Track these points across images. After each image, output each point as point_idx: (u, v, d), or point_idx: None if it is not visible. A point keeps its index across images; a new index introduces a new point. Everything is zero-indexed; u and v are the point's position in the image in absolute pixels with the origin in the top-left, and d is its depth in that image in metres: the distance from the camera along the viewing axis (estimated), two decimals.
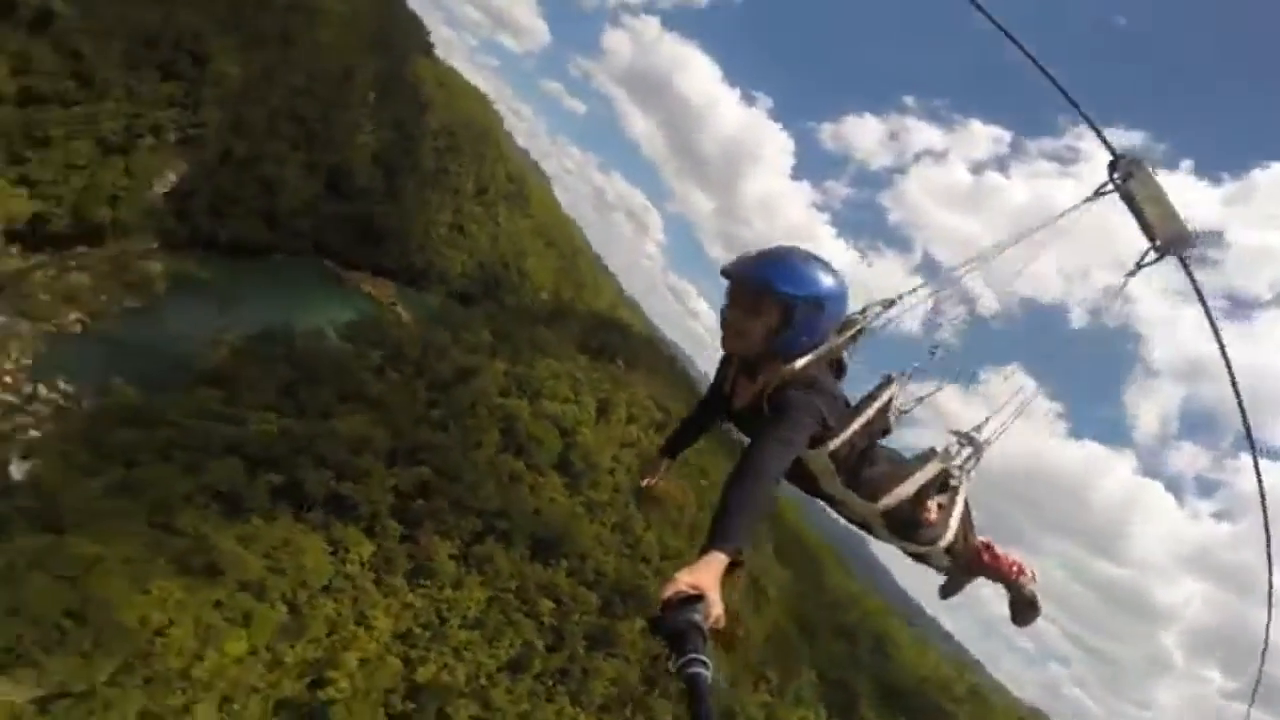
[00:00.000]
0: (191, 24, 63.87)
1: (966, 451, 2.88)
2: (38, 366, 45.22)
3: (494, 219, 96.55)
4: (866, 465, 2.67)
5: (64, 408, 43.59)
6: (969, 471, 2.89)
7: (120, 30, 58.62)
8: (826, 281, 2.49)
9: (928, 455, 2.79)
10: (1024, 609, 3.31)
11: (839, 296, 2.52)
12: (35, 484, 36.64)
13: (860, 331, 2.74)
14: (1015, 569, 3.25)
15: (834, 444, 2.51)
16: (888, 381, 2.67)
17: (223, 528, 34.80)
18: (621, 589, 38.71)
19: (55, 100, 54.55)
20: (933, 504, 2.87)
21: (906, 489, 2.70)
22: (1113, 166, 2.92)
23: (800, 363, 2.51)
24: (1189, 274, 3.04)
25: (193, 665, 30.06)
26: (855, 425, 2.54)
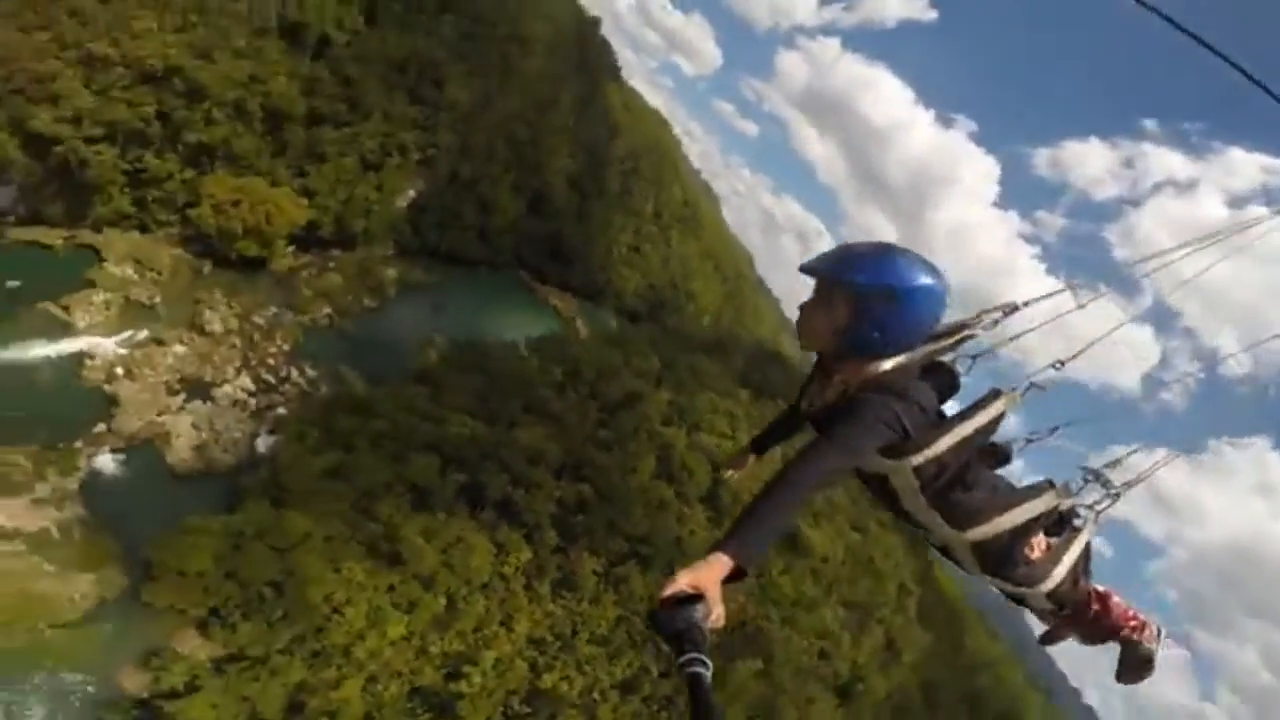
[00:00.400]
0: (432, 52, 72.15)
1: (1097, 492, 2.67)
2: (294, 353, 54.26)
3: (667, 240, 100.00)
4: (960, 489, 2.46)
5: (307, 392, 52.01)
6: (1098, 513, 2.69)
7: (379, 56, 67.46)
8: (909, 274, 2.29)
9: (1041, 488, 2.55)
10: (1134, 666, 3.01)
11: (925, 292, 2.30)
12: (274, 459, 44.02)
13: (965, 338, 2.54)
14: (1133, 624, 2.97)
15: (919, 459, 2.34)
16: (994, 395, 2.42)
17: (411, 518, 39.65)
18: (744, 629, 39.02)
19: (331, 120, 64.27)
20: (1040, 542, 2.67)
21: (1006, 521, 2.49)
22: None
23: (885, 365, 2.38)
24: None
25: (354, 644, 33.99)
26: (948, 440, 2.34)
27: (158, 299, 48.72)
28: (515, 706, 34.36)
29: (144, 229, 52.48)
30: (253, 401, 48.70)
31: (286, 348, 53.72)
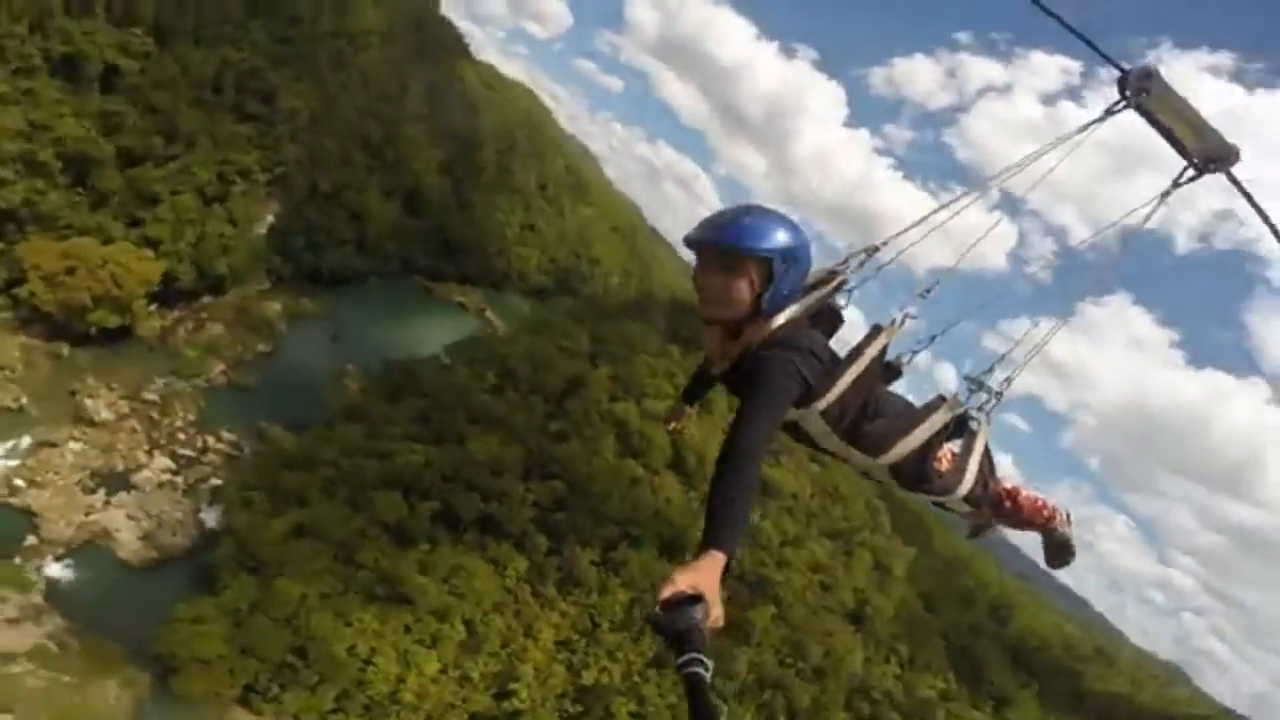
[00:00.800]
0: (246, 62, 66.34)
1: (983, 396, 2.84)
2: (201, 420, 50.58)
3: (559, 211, 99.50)
4: (866, 420, 2.63)
5: (234, 455, 48.93)
6: (989, 415, 2.85)
7: (183, 77, 61.08)
8: (796, 234, 2.45)
9: (935, 404, 2.73)
10: (1056, 551, 3.31)
11: (806, 247, 2.49)
12: (229, 531, 41.72)
13: (842, 283, 2.73)
14: (1044, 515, 3.22)
15: (822, 404, 2.50)
16: (875, 332, 2.61)
17: (400, 557, 39.28)
18: (746, 580, 41.81)
19: (150, 158, 57.73)
20: (946, 452, 2.85)
21: (911, 442, 2.67)
22: (1122, 83, 2.77)
23: (778, 320, 2.51)
24: (1240, 188, 2.92)
25: (398, 689, 34.69)
26: (844, 382, 2.51)
27: (24, 399, 43.74)
28: (569, 708, 35.53)
29: None
30: (179, 479, 45.51)
31: (191, 417, 50.07)
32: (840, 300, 2.76)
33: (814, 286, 2.67)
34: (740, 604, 39.17)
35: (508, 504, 43.12)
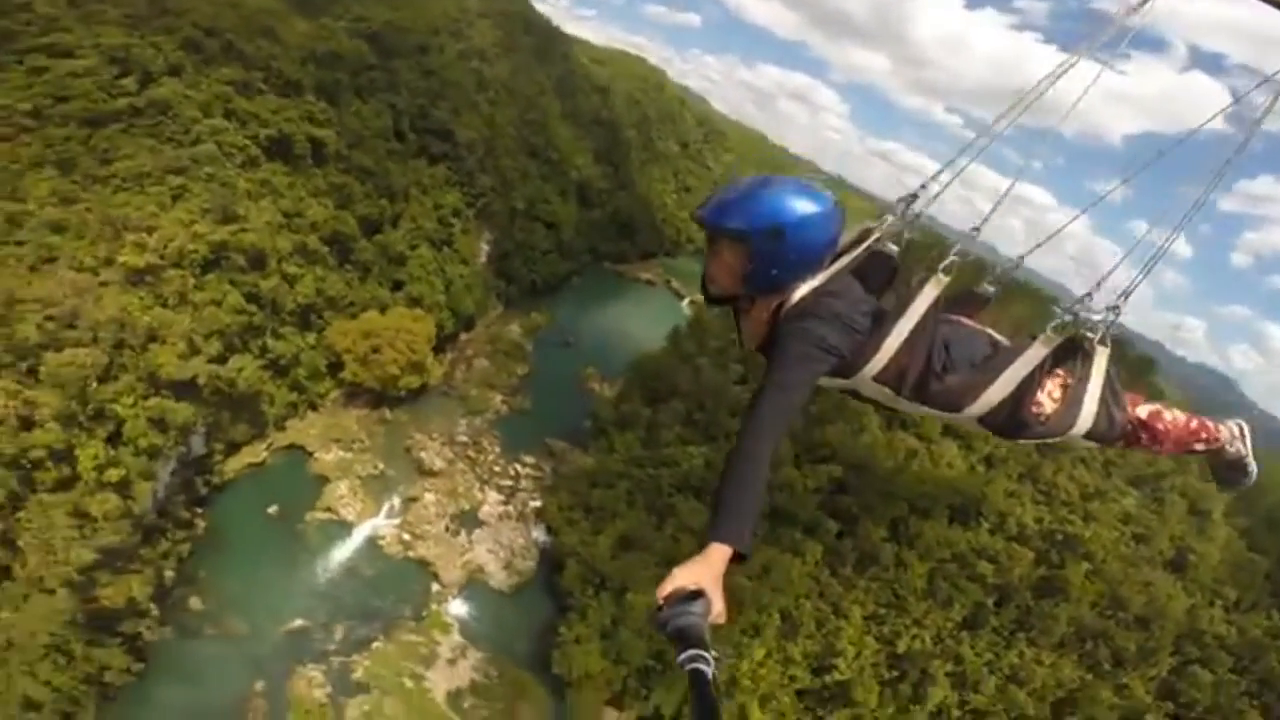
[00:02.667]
0: (411, 104, 66.18)
1: (1095, 317, 2.45)
2: (503, 450, 56.24)
3: (704, 166, 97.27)
4: (935, 378, 2.37)
5: (538, 478, 54.58)
6: (1108, 333, 2.46)
7: (370, 135, 61.26)
8: (789, 208, 2.26)
9: (1024, 344, 2.39)
10: (1226, 472, 2.93)
11: (809, 220, 2.27)
12: (568, 551, 46.73)
13: (872, 245, 2.46)
14: (1200, 439, 2.80)
15: (872, 369, 2.31)
16: (921, 283, 2.36)
17: None
18: (1052, 537, 41.21)
19: (383, 220, 60.29)
20: (1054, 387, 2.47)
21: (997, 391, 2.37)
22: None
23: (800, 292, 2.33)
24: None
25: (735, 675, 38.06)
26: (892, 343, 2.29)
27: (379, 464, 50.29)
28: (884, 674, 38.06)
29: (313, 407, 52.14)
30: (509, 509, 51.27)
31: (497, 449, 55.50)
32: (893, 246, 2.50)
33: (847, 249, 2.44)
34: (1050, 563, 39.63)
35: (790, 493, 44.99)
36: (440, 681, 40.08)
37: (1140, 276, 2.48)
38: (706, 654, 1.45)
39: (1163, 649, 36.21)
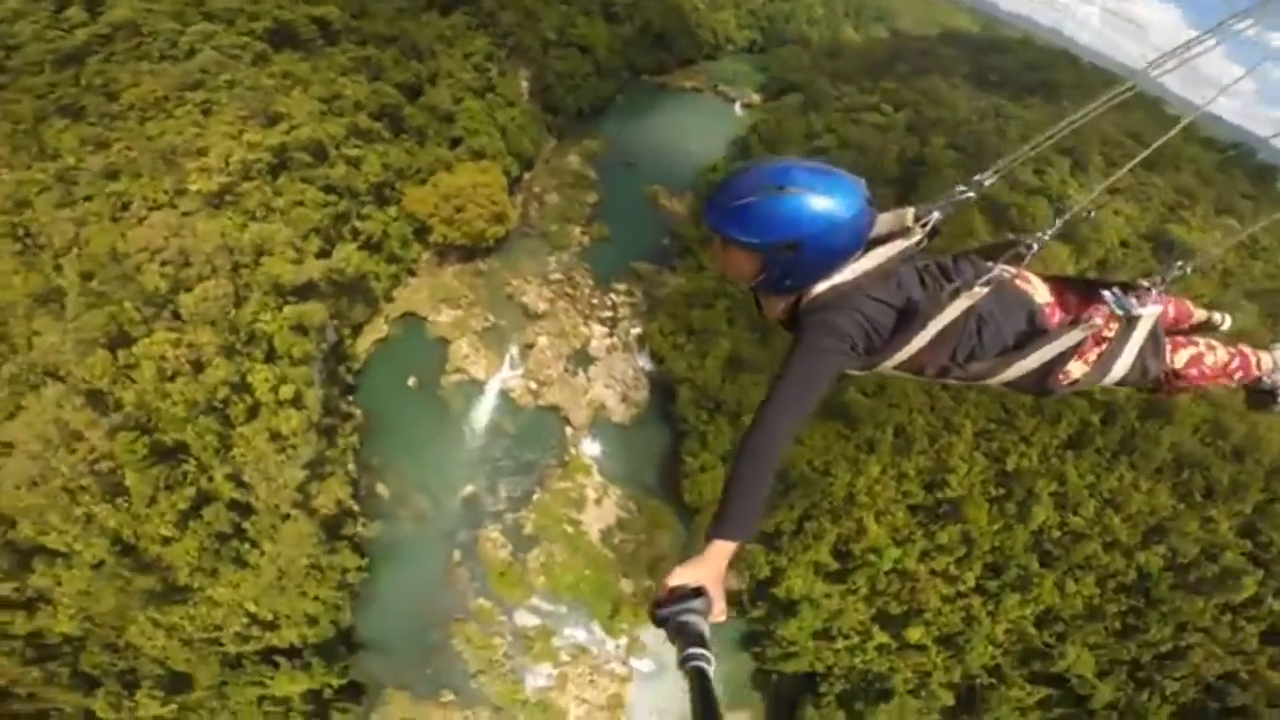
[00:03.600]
0: None
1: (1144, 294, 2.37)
2: (595, 282, 56.22)
3: None
4: (958, 366, 2.29)
5: (633, 304, 55.27)
6: (1163, 290, 2.41)
7: None
8: (811, 216, 2.06)
9: (1059, 330, 2.30)
10: (1259, 401, 2.94)
11: (829, 229, 2.08)
12: (678, 378, 48.55)
13: (906, 250, 2.29)
14: (1237, 377, 2.76)
15: (890, 363, 2.23)
16: (953, 295, 2.21)
17: None
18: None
19: (420, 82, 55.58)
20: (1087, 356, 2.40)
21: (1025, 366, 2.29)
22: None
23: (820, 289, 2.19)
24: None
25: (852, 491, 40.80)
26: (916, 344, 2.18)
27: (489, 317, 51.33)
28: (993, 491, 39.86)
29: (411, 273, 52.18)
30: (613, 340, 52.64)
31: (590, 282, 55.43)
32: (935, 215, 2.36)
33: (878, 242, 2.31)
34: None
35: None
36: (593, 522, 44.69)
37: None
38: (707, 653, 1.43)
39: (1253, 484, 36.44)
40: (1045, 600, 37.29)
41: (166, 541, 29.67)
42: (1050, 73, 65.45)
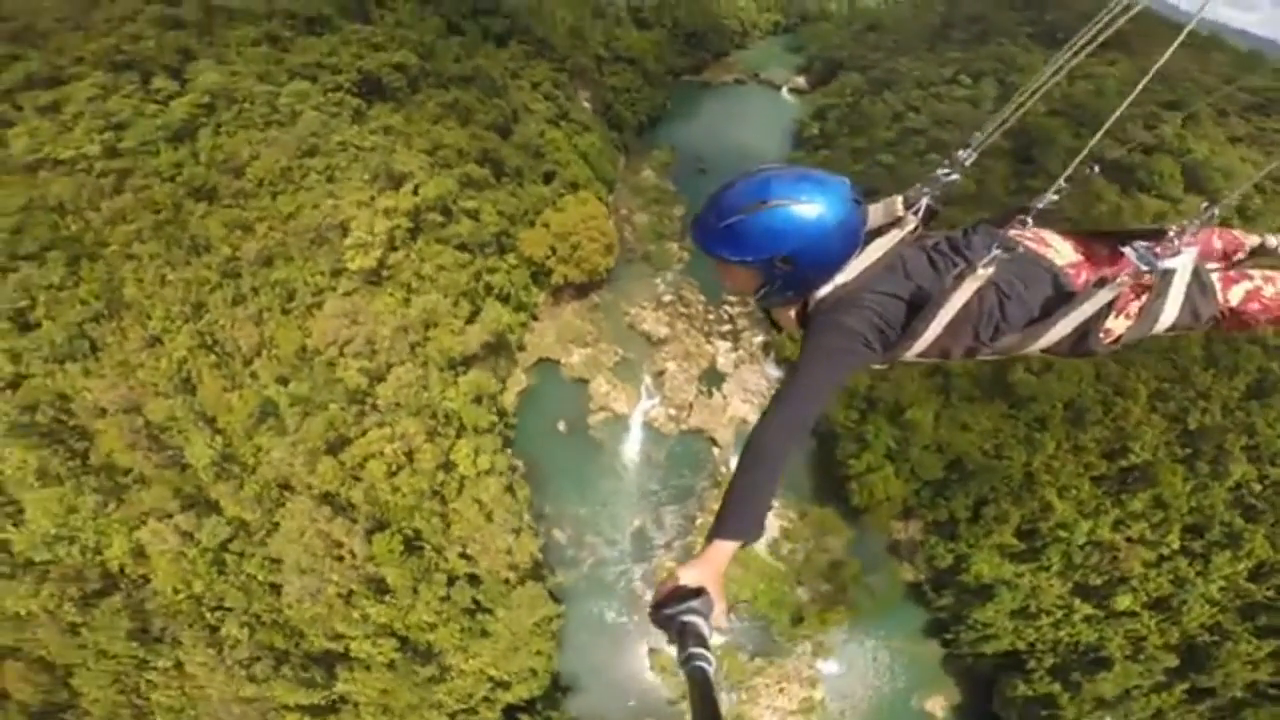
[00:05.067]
0: None
1: (1173, 244, 2.19)
2: (706, 297, 54.61)
3: None
4: (983, 345, 2.20)
5: (749, 314, 53.30)
6: (1199, 228, 2.22)
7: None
8: (799, 228, 1.99)
9: (1085, 294, 2.15)
10: None
11: (821, 237, 2.01)
12: None
13: (904, 238, 2.23)
14: None
15: (908, 355, 2.15)
16: (960, 277, 2.12)
17: None
18: None
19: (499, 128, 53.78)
20: (1127, 310, 2.25)
21: (1056, 334, 2.18)
22: None
23: (824, 291, 2.14)
24: None
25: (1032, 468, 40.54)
26: (929, 334, 2.11)
27: (619, 350, 49.99)
28: (1179, 452, 38.82)
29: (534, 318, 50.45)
30: (739, 353, 51.40)
31: (701, 298, 53.92)
32: (925, 200, 2.29)
33: (880, 229, 2.25)
34: None
35: None
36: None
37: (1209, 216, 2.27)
38: (708, 653, 1.38)
39: None
40: (1258, 554, 36.55)
41: (432, 628, 29.04)
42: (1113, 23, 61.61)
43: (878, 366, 2.18)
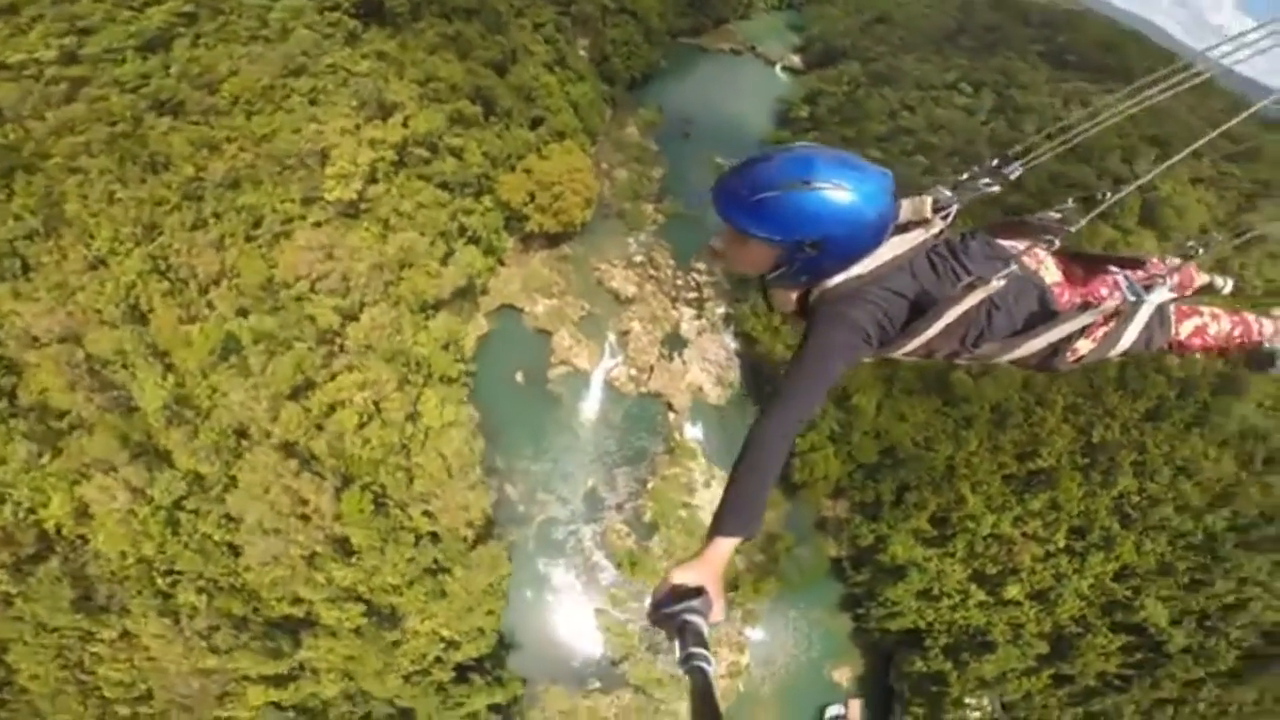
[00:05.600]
0: None
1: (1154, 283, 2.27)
2: (676, 261, 54.88)
3: None
4: (967, 350, 2.22)
5: (715, 282, 54.00)
6: (1156, 290, 2.27)
7: None
8: (836, 214, 1.91)
9: (1070, 315, 2.21)
10: (1257, 362, 2.87)
11: (855, 227, 1.94)
12: (773, 359, 49.04)
13: (924, 242, 2.18)
14: (1238, 343, 2.71)
15: (900, 353, 2.16)
16: (969, 289, 2.10)
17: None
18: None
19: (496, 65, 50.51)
20: (1094, 333, 2.31)
21: (1031, 349, 2.23)
22: None
23: (834, 281, 2.08)
24: None
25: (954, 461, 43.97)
26: (927, 335, 2.10)
27: (585, 305, 50.03)
28: (1080, 461, 42.80)
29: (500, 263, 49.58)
30: (702, 321, 52.21)
31: (672, 261, 54.14)
32: (955, 206, 2.27)
33: (907, 226, 2.20)
34: (1229, 359, 40.98)
35: None
36: (705, 505, 45.59)
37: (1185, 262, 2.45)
38: (707, 653, 1.41)
39: None
40: (1125, 558, 41.45)
41: (397, 590, 28.99)
42: (1123, 55, 63.16)
43: (866, 359, 2.14)
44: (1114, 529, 42.68)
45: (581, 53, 59.68)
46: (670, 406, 48.86)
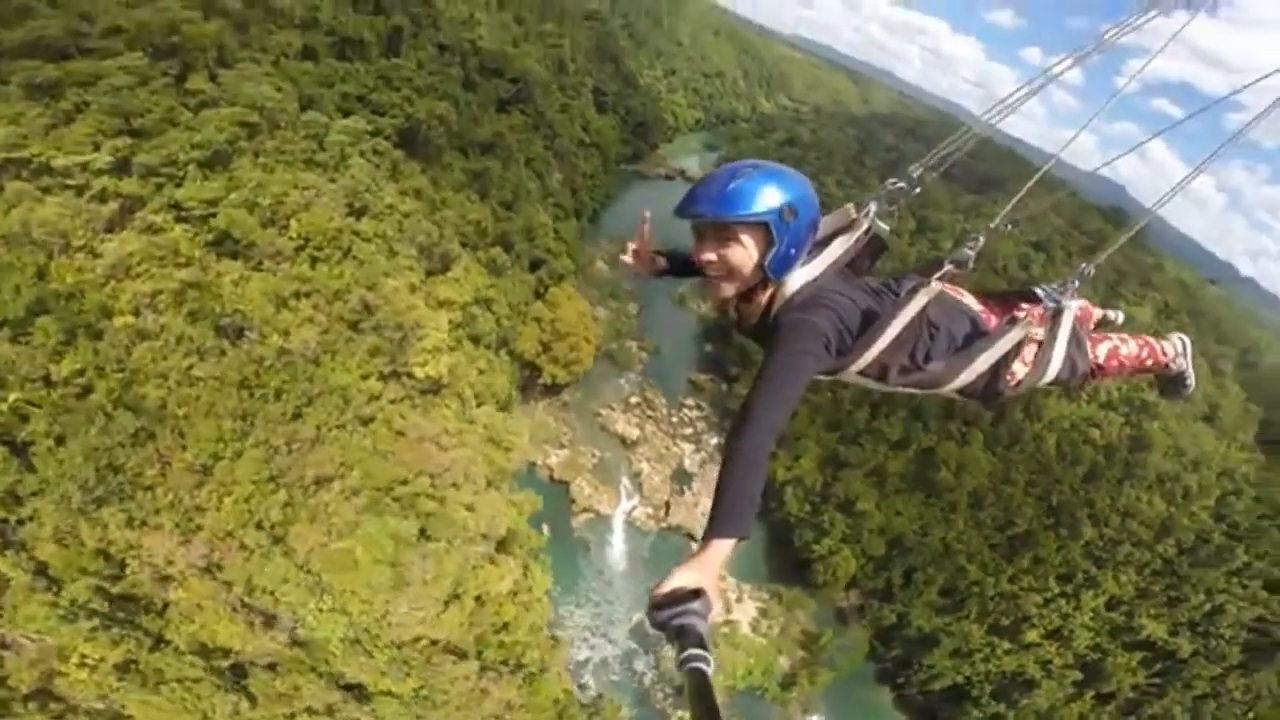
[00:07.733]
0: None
1: (1067, 286, 2.44)
2: (669, 399, 57.95)
3: (677, 42, 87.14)
4: (916, 368, 2.28)
5: (708, 417, 57.29)
6: (1074, 294, 2.45)
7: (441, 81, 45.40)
8: (790, 187, 2.08)
9: (1003, 329, 2.34)
10: (1169, 386, 3.05)
11: (806, 199, 2.10)
12: (782, 483, 52.55)
13: (865, 233, 2.29)
14: (1150, 364, 2.89)
15: (856, 366, 2.20)
16: (912, 293, 2.22)
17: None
18: (1132, 402, 54.22)
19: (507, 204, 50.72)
20: (1026, 354, 2.43)
21: (976, 369, 2.33)
22: None
23: (794, 285, 2.17)
24: None
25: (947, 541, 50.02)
26: (879, 345, 2.17)
27: (596, 452, 50.64)
28: (1045, 520, 50.34)
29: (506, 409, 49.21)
30: (701, 454, 54.65)
31: (664, 400, 56.81)
32: (884, 224, 2.36)
33: (834, 235, 2.31)
34: (1133, 424, 51.72)
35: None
36: (742, 619, 48.30)
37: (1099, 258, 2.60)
38: (707, 654, 1.37)
39: (1211, 485, 51.25)
40: (1110, 590, 48.70)
41: None
42: (995, 166, 72.05)
43: (823, 377, 2.20)
44: (1091, 569, 50.26)
45: (556, 185, 60.02)
46: (691, 537, 49.87)
